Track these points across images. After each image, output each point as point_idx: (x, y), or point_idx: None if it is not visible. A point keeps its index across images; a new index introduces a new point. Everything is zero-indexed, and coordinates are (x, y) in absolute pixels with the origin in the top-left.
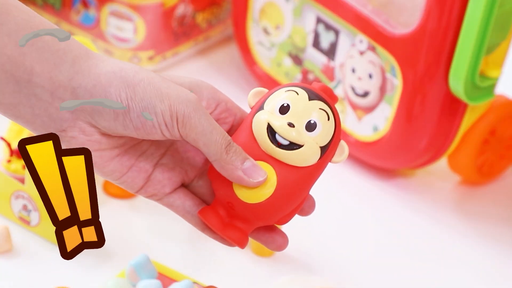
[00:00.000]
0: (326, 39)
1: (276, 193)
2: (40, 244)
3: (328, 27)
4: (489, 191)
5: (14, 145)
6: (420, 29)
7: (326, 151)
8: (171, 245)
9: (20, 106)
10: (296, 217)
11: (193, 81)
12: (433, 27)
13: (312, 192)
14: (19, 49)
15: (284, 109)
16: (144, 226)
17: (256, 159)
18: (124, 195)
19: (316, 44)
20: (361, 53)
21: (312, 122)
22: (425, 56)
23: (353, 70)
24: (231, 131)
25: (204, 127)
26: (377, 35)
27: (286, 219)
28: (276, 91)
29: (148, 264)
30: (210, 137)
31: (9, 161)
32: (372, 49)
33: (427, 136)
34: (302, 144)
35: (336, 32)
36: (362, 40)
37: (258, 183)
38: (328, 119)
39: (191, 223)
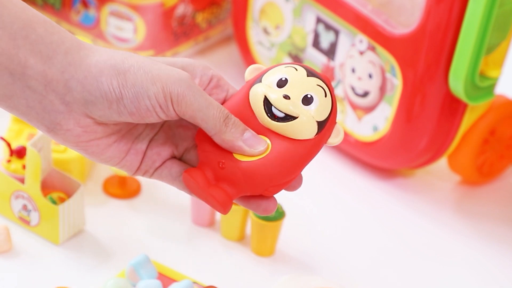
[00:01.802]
0: (326, 39)
1: (269, 157)
2: (40, 244)
3: (328, 27)
4: (489, 191)
5: (14, 145)
6: (420, 29)
7: (324, 128)
8: (171, 245)
9: (14, 97)
10: (296, 216)
11: (185, 60)
12: (433, 27)
13: (312, 191)
14: (13, 41)
15: (282, 83)
16: (144, 226)
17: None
18: (124, 195)
19: (316, 44)
20: (361, 53)
21: (309, 96)
22: (425, 56)
23: (353, 70)
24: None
25: (200, 103)
26: (377, 35)
27: (273, 190)
28: (274, 67)
29: (148, 264)
30: (206, 112)
31: (9, 161)
32: (372, 49)
33: (427, 136)
34: (296, 115)
35: (336, 32)
36: (362, 40)
37: (259, 152)
38: (325, 96)
39: (179, 188)
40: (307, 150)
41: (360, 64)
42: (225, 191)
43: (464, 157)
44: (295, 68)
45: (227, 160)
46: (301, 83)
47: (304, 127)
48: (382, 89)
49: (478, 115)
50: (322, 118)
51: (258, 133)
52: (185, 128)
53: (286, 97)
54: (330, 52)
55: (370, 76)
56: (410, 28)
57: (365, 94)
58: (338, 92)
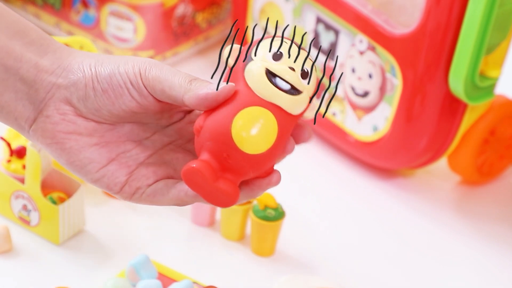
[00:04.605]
0: (326, 39)
1: (275, 142)
2: (40, 244)
3: (328, 27)
4: (489, 191)
5: (14, 145)
6: (420, 29)
7: (309, 103)
8: (171, 245)
9: (6, 93)
10: (296, 216)
11: None
12: (433, 27)
13: (313, 191)
14: (10, 40)
15: (277, 57)
16: (144, 226)
17: (253, 105)
18: None
19: (316, 44)
20: (361, 53)
21: (306, 70)
22: (425, 56)
23: (353, 70)
24: None
25: (166, 74)
26: (377, 35)
27: (272, 169)
28: (261, 42)
29: (148, 264)
30: (172, 80)
31: (9, 161)
32: (372, 49)
33: (427, 136)
34: (302, 90)
35: (336, 32)
36: (362, 40)
37: (227, 91)
38: (315, 71)
39: (174, 204)
40: (294, 123)
41: (360, 64)
42: (231, 181)
43: (464, 157)
44: (285, 42)
45: (233, 153)
46: (296, 56)
47: (303, 103)
48: (382, 89)
49: (478, 115)
50: (311, 93)
51: (258, 106)
52: (185, 154)
53: (292, 69)
54: (330, 52)
55: (370, 76)
56: (410, 28)
57: (365, 94)
58: (338, 92)
